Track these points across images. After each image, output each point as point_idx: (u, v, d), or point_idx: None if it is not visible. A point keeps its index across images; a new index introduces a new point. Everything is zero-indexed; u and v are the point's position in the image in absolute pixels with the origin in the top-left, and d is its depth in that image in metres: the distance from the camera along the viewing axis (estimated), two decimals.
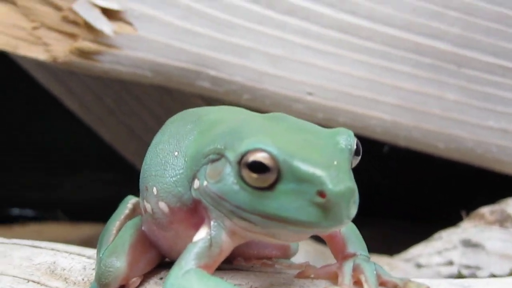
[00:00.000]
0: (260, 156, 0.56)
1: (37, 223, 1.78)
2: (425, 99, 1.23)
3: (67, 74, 1.39)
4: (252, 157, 0.56)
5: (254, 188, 0.57)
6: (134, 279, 0.70)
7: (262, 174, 0.56)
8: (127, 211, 0.82)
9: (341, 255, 0.68)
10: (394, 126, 1.24)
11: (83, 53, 1.14)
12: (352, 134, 0.63)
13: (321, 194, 0.55)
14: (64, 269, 0.80)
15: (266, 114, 0.70)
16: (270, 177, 0.56)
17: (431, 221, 1.47)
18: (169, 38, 1.16)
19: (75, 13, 1.12)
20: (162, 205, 0.68)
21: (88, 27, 1.12)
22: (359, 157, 0.65)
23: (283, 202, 0.56)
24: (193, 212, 0.65)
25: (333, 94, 1.22)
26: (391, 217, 1.72)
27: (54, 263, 0.82)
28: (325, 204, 0.55)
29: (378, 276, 0.62)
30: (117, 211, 0.82)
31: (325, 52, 1.20)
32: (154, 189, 0.69)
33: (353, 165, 0.64)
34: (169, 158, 0.68)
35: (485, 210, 1.31)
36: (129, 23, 1.14)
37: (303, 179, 0.56)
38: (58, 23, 1.15)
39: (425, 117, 1.24)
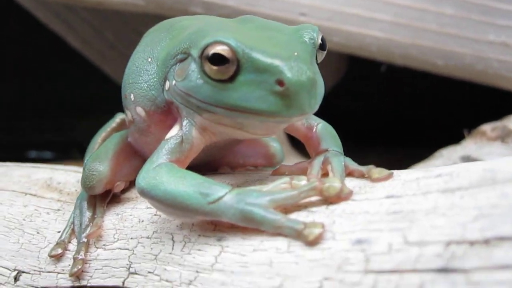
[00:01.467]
0: (219, 49, 0.58)
1: (53, 163, 1.84)
2: (422, 15, 1.21)
3: (67, 11, 1.41)
4: (212, 50, 0.58)
5: (216, 81, 0.59)
6: (118, 183, 0.74)
7: (222, 65, 0.58)
8: (113, 125, 0.85)
9: (315, 152, 0.70)
10: (390, 44, 1.23)
11: None
12: (316, 28, 0.64)
13: (280, 82, 0.56)
14: (59, 183, 0.85)
15: (237, 18, 0.71)
16: (230, 69, 0.58)
17: (435, 144, 1.47)
18: None
19: None
20: (139, 110, 0.70)
21: None
22: (325, 52, 0.66)
23: (244, 92, 0.58)
24: (167, 113, 0.68)
25: (326, 13, 1.21)
26: (394, 142, 1.73)
27: (51, 178, 0.86)
28: (284, 93, 0.57)
29: (346, 167, 0.64)
30: (105, 125, 0.85)
31: None
32: (132, 96, 0.71)
33: (319, 60, 0.65)
34: (144, 64, 0.70)
35: (487, 127, 1.30)
36: None
37: (262, 69, 0.57)
38: None
39: (422, 34, 1.23)
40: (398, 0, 1.20)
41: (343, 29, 1.22)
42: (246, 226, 0.56)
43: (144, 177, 0.60)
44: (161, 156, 0.62)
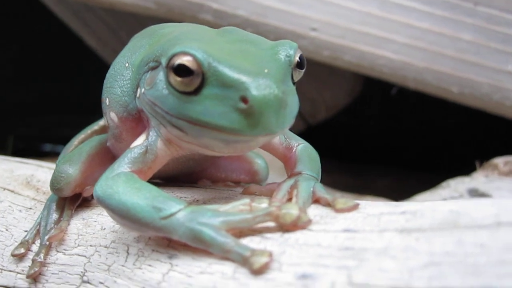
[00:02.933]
0: (185, 59, 0.55)
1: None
2: (438, 39, 1.17)
3: (84, 10, 1.42)
4: (177, 60, 0.56)
5: (180, 92, 0.56)
6: (88, 187, 0.72)
7: (186, 77, 0.55)
8: (95, 127, 0.84)
9: (289, 174, 0.68)
10: (403, 67, 1.18)
11: None
12: (295, 45, 0.61)
13: (244, 99, 0.54)
14: (39, 181, 0.84)
15: (219, 29, 0.69)
16: (194, 81, 0.55)
17: (444, 171, 1.42)
18: None
19: None
20: (113, 115, 0.69)
21: None
22: (303, 70, 0.63)
23: (207, 106, 0.55)
24: (138, 121, 0.66)
25: (339, 30, 1.18)
26: (403, 166, 1.67)
27: (32, 175, 0.86)
28: (248, 110, 0.54)
29: (313, 193, 0.61)
30: (86, 127, 0.84)
31: None
32: (107, 100, 0.70)
33: (296, 79, 0.62)
34: (121, 69, 0.69)
35: (499, 160, 1.24)
36: None
37: (227, 84, 0.55)
38: None
39: (438, 58, 1.18)
40: (414, 22, 1.15)
41: (356, 48, 1.19)
42: (196, 246, 0.53)
43: (101, 185, 0.58)
44: (122, 165, 0.60)
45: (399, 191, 1.42)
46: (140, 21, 1.43)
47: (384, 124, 1.78)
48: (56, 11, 1.45)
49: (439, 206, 0.51)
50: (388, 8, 1.15)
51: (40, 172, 0.87)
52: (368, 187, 1.61)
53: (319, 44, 1.19)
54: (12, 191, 0.82)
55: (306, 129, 1.63)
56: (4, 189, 0.82)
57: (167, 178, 0.80)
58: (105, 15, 1.42)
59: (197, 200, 0.67)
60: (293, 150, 0.70)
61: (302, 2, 1.17)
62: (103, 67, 0.77)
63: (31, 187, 0.83)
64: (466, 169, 1.32)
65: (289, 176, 0.66)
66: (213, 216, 0.53)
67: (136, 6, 1.19)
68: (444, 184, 1.27)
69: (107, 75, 0.72)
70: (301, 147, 0.71)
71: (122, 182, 0.58)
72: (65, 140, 0.87)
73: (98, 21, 1.44)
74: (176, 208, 0.54)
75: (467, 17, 1.16)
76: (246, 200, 0.57)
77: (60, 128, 2.10)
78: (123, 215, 0.56)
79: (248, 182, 0.84)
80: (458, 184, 1.23)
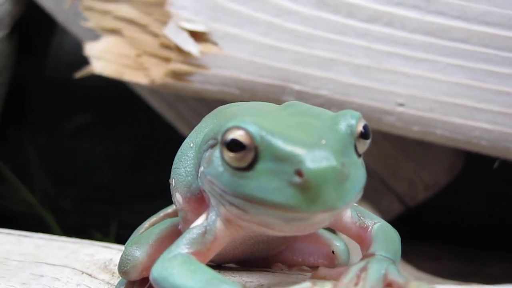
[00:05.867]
0: (237, 134, 0.54)
1: None
2: None
3: (176, 99, 1.49)
4: (230, 135, 0.54)
5: (234, 168, 0.55)
6: None
7: (238, 152, 0.54)
8: (169, 210, 0.84)
9: (363, 255, 0.62)
10: (503, 137, 1.08)
11: (176, 75, 1.22)
12: (357, 115, 0.57)
13: (299, 173, 0.51)
14: (116, 265, 0.85)
15: (282, 104, 0.67)
16: (247, 156, 0.53)
17: None
18: (253, 55, 1.18)
19: (168, 38, 1.21)
20: (178, 196, 0.68)
21: (178, 50, 1.20)
22: (368, 141, 0.58)
23: (261, 182, 0.53)
24: (202, 201, 0.65)
25: (427, 104, 1.12)
26: None
27: (111, 259, 0.87)
28: (304, 185, 0.50)
29: (384, 276, 0.54)
30: (160, 210, 0.85)
31: (415, 58, 1.11)
32: (173, 181, 0.70)
33: (361, 150, 0.58)
34: (187, 150, 0.69)
35: None
36: (214, 43, 1.19)
37: (281, 157, 0.52)
38: (157, 49, 1.26)
39: None
40: (509, 88, 1.07)
41: (447, 121, 1.11)
42: None
43: (158, 267, 0.57)
44: (179, 246, 0.59)
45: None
46: None
47: (493, 202, 1.62)
48: (151, 102, 1.54)
49: None
50: (478, 76, 1.08)
51: (119, 256, 0.88)
52: (480, 275, 1.45)
53: (407, 120, 1.14)
54: (90, 275, 0.83)
55: (404, 211, 1.52)
56: (83, 272, 0.84)
57: (241, 263, 0.77)
58: (195, 103, 1.48)
59: (262, 285, 0.63)
60: (368, 230, 0.65)
61: (386, 77, 1.13)
62: None
63: (107, 271, 0.83)
64: None
65: (362, 258, 0.60)
66: None
67: (221, 93, 1.23)
68: None
69: (175, 157, 0.73)
70: (377, 226, 0.65)
71: (178, 264, 0.56)
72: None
73: (190, 110, 1.50)
74: None
75: None
76: (307, 284, 0.52)
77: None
78: None
79: (326, 267, 0.78)
80: None
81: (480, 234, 1.60)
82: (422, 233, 1.50)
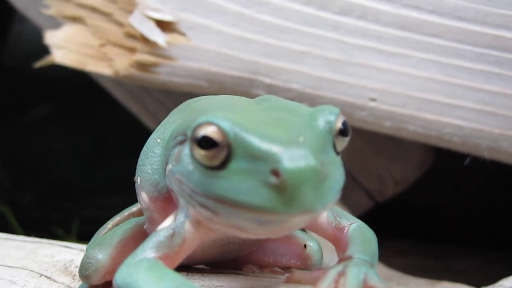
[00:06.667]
0: (209, 130, 0.50)
1: None
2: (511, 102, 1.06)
3: (141, 91, 1.44)
4: (201, 132, 0.50)
5: (205, 167, 0.51)
6: None
7: (210, 150, 0.50)
8: (134, 209, 0.79)
9: (340, 258, 0.59)
10: (475, 134, 1.08)
11: (141, 66, 1.17)
12: (336, 110, 0.54)
13: (276, 173, 0.47)
14: (77, 266, 0.80)
15: (256, 98, 0.63)
16: (219, 154, 0.50)
17: None
18: (222, 46, 1.14)
19: (134, 27, 1.16)
20: (143, 196, 0.64)
21: (144, 40, 1.15)
22: (347, 138, 0.56)
23: (234, 182, 0.49)
24: (169, 202, 0.61)
25: (400, 99, 1.10)
26: (493, 246, 1.49)
27: (72, 261, 0.82)
28: (281, 186, 0.47)
29: (364, 282, 0.52)
30: (124, 209, 0.80)
31: (387, 52, 1.09)
32: (139, 179, 0.66)
33: (340, 148, 0.55)
34: (153, 146, 0.65)
35: None
36: (182, 34, 1.15)
37: (256, 156, 0.48)
38: (121, 39, 1.20)
39: None
40: (482, 85, 1.06)
41: (420, 116, 1.10)
42: None
43: (122, 273, 0.52)
44: (145, 250, 0.54)
45: (484, 274, 1.26)
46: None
47: (459, 198, 1.63)
48: (115, 94, 1.48)
49: None
50: (451, 72, 1.07)
51: (80, 257, 0.83)
52: (450, 270, 1.45)
53: (379, 115, 1.12)
54: (49, 278, 0.78)
55: (373, 207, 1.52)
56: (41, 275, 0.79)
57: (211, 264, 0.74)
58: (162, 96, 1.43)
59: None
60: (345, 231, 0.62)
61: (358, 71, 1.11)
62: None
63: (68, 273, 0.79)
64: None
65: (339, 261, 0.57)
66: None
67: (188, 86, 1.18)
68: None
69: (141, 152, 0.69)
70: (354, 227, 0.62)
71: (143, 270, 0.52)
72: None
73: (156, 103, 1.45)
74: None
75: None
76: None
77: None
78: None
79: (299, 267, 0.75)
80: None
81: (449, 230, 1.61)
82: (391, 228, 1.49)
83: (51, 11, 1.29)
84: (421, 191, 1.49)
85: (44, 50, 1.27)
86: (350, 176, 1.46)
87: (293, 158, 0.47)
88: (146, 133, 0.70)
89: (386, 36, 1.08)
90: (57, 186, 2.22)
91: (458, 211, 1.64)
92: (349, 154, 1.43)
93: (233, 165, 0.49)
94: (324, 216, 0.62)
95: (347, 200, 1.46)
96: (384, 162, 1.45)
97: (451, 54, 1.07)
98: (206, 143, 0.50)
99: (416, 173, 1.46)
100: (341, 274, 0.53)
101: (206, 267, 0.74)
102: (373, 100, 1.11)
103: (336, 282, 0.52)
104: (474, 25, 1.05)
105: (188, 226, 0.56)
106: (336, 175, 0.52)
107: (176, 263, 0.56)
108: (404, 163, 1.45)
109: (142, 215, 0.77)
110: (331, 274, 0.54)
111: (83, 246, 0.90)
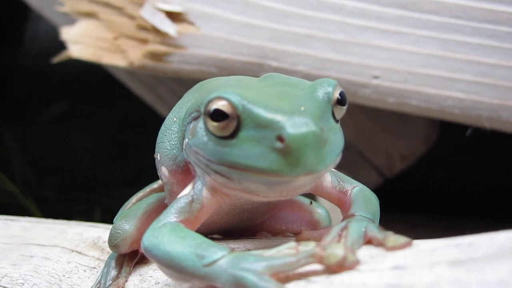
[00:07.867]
0: (220, 104, 0.56)
1: None
2: (510, 73, 1.10)
3: (155, 82, 1.50)
4: (213, 106, 0.56)
5: (217, 137, 0.57)
6: None
7: (222, 121, 0.56)
8: (155, 186, 0.86)
9: (344, 216, 0.65)
10: (475, 106, 1.12)
11: (154, 56, 1.23)
12: (333, 82, 0.60)
13: (280, 139, 0.53)
14: (104, 242, 0.86)
15: (261, 76, 0.69)
16: (230, 125, 0.56)
17: None
18: (229, 33, 1.20)
19: (145, 20, 1.22)
20: (164, 170, 0.70)
21: (155, 31, 1.21)
22: (345, 107, 0.61)
23: (244, 149, 0.55)
24: (187, 173, 0.67)
25: (401, 75, 1.15)
26: (496, 217, 1.53)
27: (99, 237, 0.88)
28: (285, 150, 0.53)
29: (365, 234, 0.57)
30: (146, 186, 0.86)
31: (388, 31, 1.14)
32: (158, 156, 0.72)
33: (338, 116, 0.61)
34: (170, 124, 0.71)
35: None
36: (191, 23, 1.20)
37: (262, 125, 0.54)
38: (134, 31, 1.26)
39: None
40: (481, 58, 1.10)
41: (421, 91, 1.15)
42: None
43: (148, 236, 0.59)
44: (168, 215, 0.61)
45: None
46: None
47: (464, 171, 1.67)
48: (131, 85, 1.54)
49: (498, 236, 0.46)
50: (450, 47, 1.11)
51: (107, 233, 0.90)
52: None
53: (382, 92, 1.17)
54: (80, 253, 0.84)
55: (383, 182, 1.57)
56: (73, 251, 0.85)
57: (226, 233, 0.80)
58: (174, 85, 1.49)
59: (249, 249, 0.65)
60: (348, 193, 0.68)
61: (360, 51, 1.16)
62: None
63: (97, 248, 0.85)
64: None
65: (342, 219, 0.63)
66: (256, 261, 0.51)
67: (199, 73, 1.24)
68: None
69: (159, 131, 0.75)
70: (356, 190, 0.68)
71: (167, 232, 0.58)
72: None
73: (169, 92, 1.51)
74: (218, 254, 0.53)
75: None
76: (292, 244, 0.54)
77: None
78: (169, 264, 0.56)
79: None
80: None
81: (458, 201, 1.65)
82: (401, 203, 1.54)
83: (65, 8, 1.35)
84: (429, 164, 1.53)
85: (59, 49, 1.34)
86: (359, 154, 1.51)
87: (295, 125, 0.53)
88: (160, 122, 0.76)
89: (386, 16, 1.13)
90: (78, 179, 2.29)
91: (465, 182, 1.68)
92: (356, 132, 1.48)
93: (243, 134, 0.55)
94: (329, 181, 0.68)
95: (356, 177, 1.50)
96: (391, 139, 1.50)
97: (449, 29, 1.11)
98: (218, 115, 0.56)
99: (423, 147, 1.51)
100: (344, 228, 0.59)
101: (220, 236, 0.80)
102: (376, 77, 1.16)
103: (340, 235, 0.58)
104: (469, 0, 1.09)
105: (205, 193, 0.62)
106: (336, 140, 0.58)
107: (196, 226, 0.62)
108: (410, 138, 1.50)
109: (163, 191, 0.84)
110: (335, 229, 0.59)
111: (108, 225, 0.97)
